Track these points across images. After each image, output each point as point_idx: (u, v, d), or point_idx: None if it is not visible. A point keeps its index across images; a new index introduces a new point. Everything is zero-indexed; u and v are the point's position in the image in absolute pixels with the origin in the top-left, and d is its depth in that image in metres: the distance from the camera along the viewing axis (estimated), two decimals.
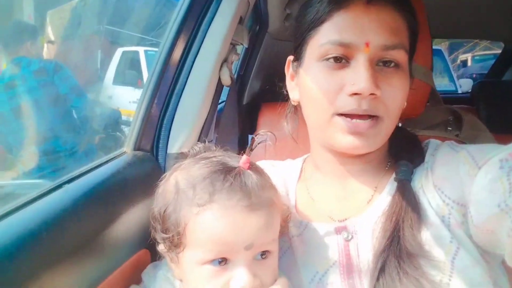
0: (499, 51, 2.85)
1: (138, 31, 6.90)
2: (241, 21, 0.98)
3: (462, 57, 11.75)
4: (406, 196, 0.68)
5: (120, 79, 5.74)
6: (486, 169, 0.60)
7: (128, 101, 4.80)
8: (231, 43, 0.95)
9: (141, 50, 5.92)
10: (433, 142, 0.76)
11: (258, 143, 0.66)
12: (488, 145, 0.67)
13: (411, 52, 0.71)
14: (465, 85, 5.04)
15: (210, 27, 0.88)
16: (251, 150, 0.64)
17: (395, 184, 0.71)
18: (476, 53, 11.28)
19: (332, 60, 0.67)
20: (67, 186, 0.63)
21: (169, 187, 0.64)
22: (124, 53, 6.05)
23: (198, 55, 0.89)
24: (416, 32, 0.72)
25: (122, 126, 2.82)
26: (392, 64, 0.67)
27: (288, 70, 0.80)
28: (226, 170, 0.61)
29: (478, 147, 0.67)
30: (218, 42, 0.89)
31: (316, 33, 0.69)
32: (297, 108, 0.81)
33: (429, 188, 0.68)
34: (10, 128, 2.23)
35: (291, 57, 0.79)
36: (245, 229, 0.58)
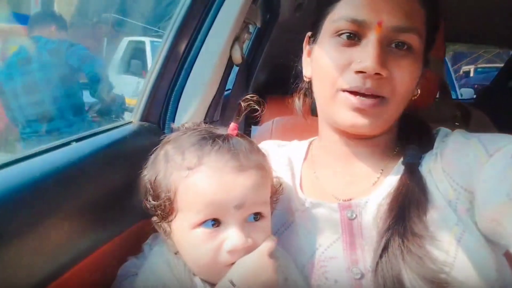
0: (502, 65, 2.86)
1: (145, 22, 6.90)
2: (254, 1, 0.97)
3: (465, 68, 11.87)
4: (413, 178, 0.67)
5: (124, 68, 5.72)
6: (497, 157, 0.60)
7: (131, 90, 4.76)
8: (244, 21, 0.94)
9: (147, 40, 5.91)
10: (444, 130, 0.76)
11: (245, 111, 0.67)
12: (500, 134, 0.66)
13: (429, 41, 0.71)
14: (466, 94, 5.13)
15: (224, 3, 0.88)
16: (239, 116, 0.65)
17: (402, 167, 0.70)
18: (479, 65, 11.38)
19: (344, 36, 0.67)
20: (75, 143, 0.63)
21: (158, 157, 0.65)
22: (130, 42, 6.05)
23: (211, 31, 0.88)
24: (436, 21, 0.72)
25: (126, 113, 2.81)
26: (405, 47, 0.66)
27: (306, 46, 0.80)
28: (215, 136, 0.62)
29: (490, 136, 0.66)
30: (231, 18, 0.88)
31: (332, 9, 0.70)
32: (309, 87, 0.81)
33: (438, 172, 0.67)
34: (19, 104, 2.24)
35: (309, 33, 0.79)
36: (234, 188, 0.59)
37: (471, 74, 11.42)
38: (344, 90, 0.66)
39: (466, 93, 5.36)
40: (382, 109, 0.66)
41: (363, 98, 0.65)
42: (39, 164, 0.54)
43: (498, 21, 1.67)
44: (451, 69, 6.45)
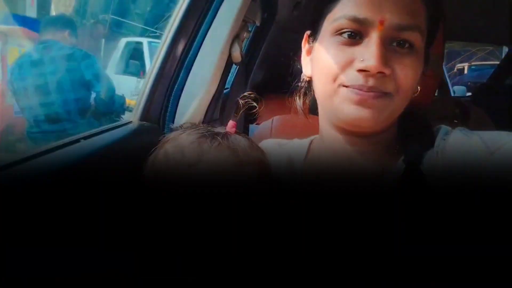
0: (496, 63, 2.87)
1: (143, 23, 6.91)
2: None
3: (458, 66, 11.92)
4: (414, 177, 0.67)
5: (122, 69, 5.74)
6: (498, 155, 0.60)
7: (130, 91, 4.75)
8: (243, 20, 0.94)
9: (145, 41, 5.92)
10: (444, 127, 0.75)
11: (243, 108, 0.67)
12: (501, 132, 0.66)
13: (430, 38, 0.71)
14: (458, 92, 5.19)
15: (224, 1, 0.87)
16: (237, 114, 0.66)
17: (403, 166, 0.70)
18: (473, 63, 11.44)
19: (345, 35, 0.66)
20: (83, 141, 0.64)
21: (158, 156, 0.65)
22: (127, 43, 6.05)
23: (210, 29, 0.88)
24: (437, 18, 0.71)
25: (127, 113, 2.83)
26: (407, 45, 0.66)
27: (305, 45, 0.79)
28: (214, 134, 0.63)
29: (491, 133, 0.66)
30: (230, 16, 0.88)
31: (332, 8, 0.69)
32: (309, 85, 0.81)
33: (439, 170, 0.67)
34: (30, 104, 2.29)
35: (308, 32, 0.78)
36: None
37: (465, 72, 11.47)
38: (345, 86, 0.66)
39: (458, 90, 5.40)
40: (386, 102, 0.66)
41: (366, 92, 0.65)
42: (40, 165, 0.53)
43: (494, 18, 1.68)
44: (444, 67, 6.50)
